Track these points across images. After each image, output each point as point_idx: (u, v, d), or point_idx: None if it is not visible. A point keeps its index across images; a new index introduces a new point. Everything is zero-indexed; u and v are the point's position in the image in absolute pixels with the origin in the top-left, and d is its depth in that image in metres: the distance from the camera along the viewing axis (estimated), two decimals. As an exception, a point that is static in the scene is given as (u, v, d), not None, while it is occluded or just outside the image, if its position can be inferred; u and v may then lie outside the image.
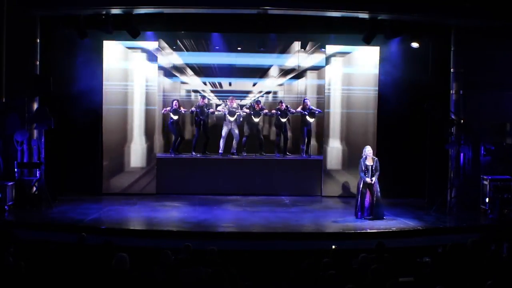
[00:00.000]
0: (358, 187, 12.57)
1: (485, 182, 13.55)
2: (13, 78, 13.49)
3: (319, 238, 11.37)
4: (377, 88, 15.46)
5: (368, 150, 12.51)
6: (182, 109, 15.86)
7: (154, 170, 15.41)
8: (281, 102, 16.17)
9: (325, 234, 11.61)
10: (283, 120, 16.00)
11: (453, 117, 14.31)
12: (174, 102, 15.76)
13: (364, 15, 13.97)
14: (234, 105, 16.07)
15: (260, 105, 16.10)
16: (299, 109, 15.93)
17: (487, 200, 13.37)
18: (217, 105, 16.69)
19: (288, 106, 16.11)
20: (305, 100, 15.93)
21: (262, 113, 16.08)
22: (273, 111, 16.23)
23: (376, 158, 12.54)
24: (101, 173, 15.20)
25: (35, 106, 13.89)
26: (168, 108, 15.78)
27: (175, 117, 15.75)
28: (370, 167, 12.39)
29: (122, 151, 15.35)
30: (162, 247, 8.70)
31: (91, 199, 14.41)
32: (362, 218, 12.40)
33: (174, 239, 10.84)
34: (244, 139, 16.22)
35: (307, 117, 15.78)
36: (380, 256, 8.05)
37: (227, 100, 16.27)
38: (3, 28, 13.40)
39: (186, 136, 16.62)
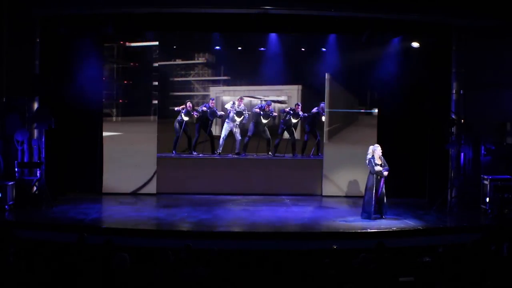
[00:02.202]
0: (366, 186, 12.57)
1: (486, 182, 13.53)
2: (13, 78, 13.49)
3: (319, 238, 11.37)
4: (377, 88, 15.45)
5: (373, 149, 12.52)
6: (195, 112, 15.86)
7: (154, 170, 15.41)
8: (297, 104, 16.24)
9: (325, 234, 11.60)
10: (294, 120, 16.07)
11: (453, 117, 14.31)
12: (188, 104, 15.79)
13: (364, 15, 13.96)
14: (242, 105, 16.07)
15: (270, 108, 16.16)
16: (314, 109, 16.06)
17: (487, 200, 13.36)
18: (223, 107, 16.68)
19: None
20: (322, 104, 15.94)
21: (271, 115, 16.13)
22: (287, 109, 16.31)
23: (382, 157, 12.54)
24: (101, 173, 15.20)
25: (35, 106, 13.88)
26: (182, 107, 15.80)
27: (186, 118, 15.75)
28: (379, 165, 12.41)
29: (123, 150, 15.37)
30: (162, 247, 8.69)
31: (91, 199, 14.43)
32: (368, 218, 12.38)
33: (174, 239, 10.84)
34: (246, 139, 16.22)
35: (323, 117, 15.85)
36: (380, 256, 8.06)
37: (236, 100, 16.23)
38: (3, 28, 13.41)
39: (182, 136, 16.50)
